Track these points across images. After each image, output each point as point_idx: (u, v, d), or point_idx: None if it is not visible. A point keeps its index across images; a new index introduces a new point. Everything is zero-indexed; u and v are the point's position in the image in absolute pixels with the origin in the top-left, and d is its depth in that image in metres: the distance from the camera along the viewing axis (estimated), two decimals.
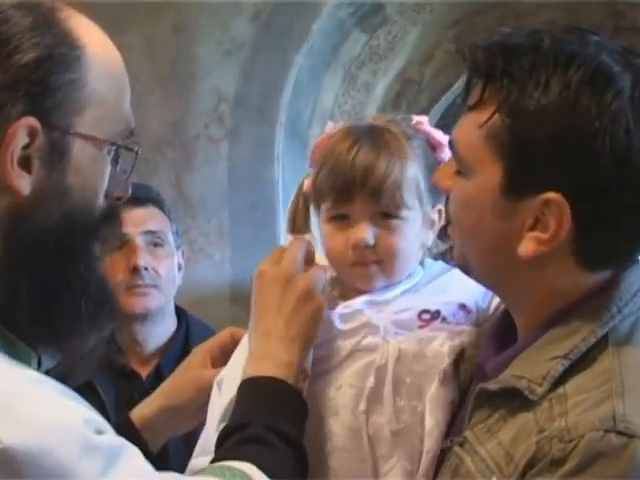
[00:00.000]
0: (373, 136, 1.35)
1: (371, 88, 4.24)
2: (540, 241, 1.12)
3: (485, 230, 1.16)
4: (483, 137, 1.14)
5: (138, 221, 2.28)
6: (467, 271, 1.24)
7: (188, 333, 2.38)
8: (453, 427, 1.29)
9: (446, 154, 1.38)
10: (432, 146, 1.41)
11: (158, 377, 2.20)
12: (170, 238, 2.34)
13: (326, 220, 1.38)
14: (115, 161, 1.20)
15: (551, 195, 1.10)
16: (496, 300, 1.38)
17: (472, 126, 1.15)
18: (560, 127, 1.08)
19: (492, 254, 1.17)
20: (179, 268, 2.40)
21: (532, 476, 1.05)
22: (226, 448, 1.23)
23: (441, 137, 1.42)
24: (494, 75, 1.12)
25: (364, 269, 1.36)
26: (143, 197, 2.31)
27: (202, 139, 3.75)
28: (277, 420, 1.25)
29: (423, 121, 1.44)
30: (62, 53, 1.12)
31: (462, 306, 1.38)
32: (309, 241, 1.40)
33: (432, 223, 1.41)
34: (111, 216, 1.21)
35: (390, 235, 1.35)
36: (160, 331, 2.34)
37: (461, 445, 1.17)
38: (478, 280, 1.25)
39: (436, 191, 1.36)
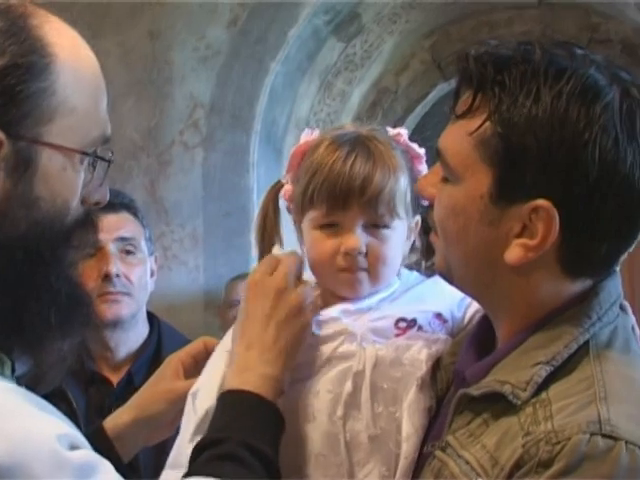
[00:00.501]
0: (367, 146, 1.36)
1: (347, 96, 4.25)
2: (527, 248, 1.14)
3: (471, 236, 1.17)
4: (473, 144, 1.15)
5: (110, 227, 2.26)
6: (449, 278, 1.25)
7: (160, 340, 2.36)
8: (430, 433, 1.30)
9: (424, 167, 1.40)
10: (411, 158, 1.42)
11: (129, 383, 2.19)
12: (143, 245, 2.33)
13: (314, 227, 1.39)
14: (92, 167, 1.18)
15: (540, 202, 1.11)
16: (470, 310, 1.39)
17: (461, 134, 1.16)
18: (550, 136, 1.10)
19: (477, 260, 1.18)
20: (151, 274, 2.39)
21: (519, 477, 1.06)
22: (200, 462, 1.22)
23: (419, 149, 1.43)
24: (485, 84, 1.14)
25: (352, 275, 1.37)
26: (116, 203, 2.30)
27: (177, 146, 3.75)
28: (255, 439, 1.23)
29: (402, 133, 1.45)
30: (31, 61, 1.09)
31: (438, 315, 1.39)
32: (301, 257, 1.41)
33: (412, 232, 1.42)
34: (85, 223, 1.19)
35: (380, 244, 1.36)
36: (132, 338, 2.32)
37: (443, 449, 1.18)
38: (460, 287, 1.26)
39: (416, 202, 1.37)
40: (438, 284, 1.34)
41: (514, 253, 1.14)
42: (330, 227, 1.37)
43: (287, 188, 1.45)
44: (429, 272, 1.44)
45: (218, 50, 3.73)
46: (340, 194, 1.33)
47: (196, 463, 1.22)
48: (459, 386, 1.24)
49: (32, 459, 0.98)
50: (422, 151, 1.42)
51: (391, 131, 1.44)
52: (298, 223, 1.43)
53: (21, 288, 1.12)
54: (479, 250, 1.17)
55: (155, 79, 3.77)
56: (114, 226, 2.25)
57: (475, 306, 1.39)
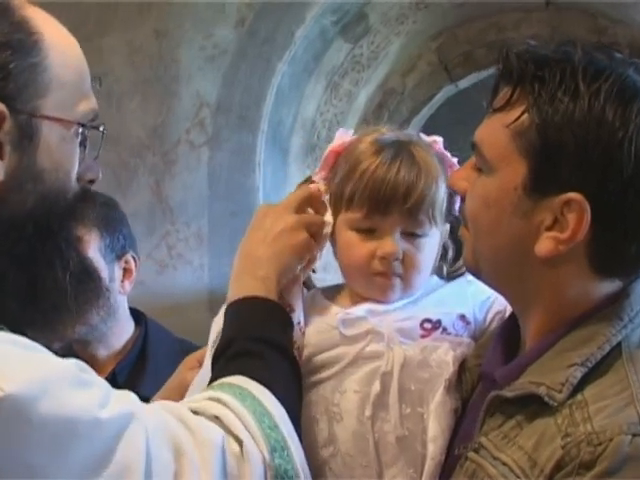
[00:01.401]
0: (411, 152, 1.38)
1: (353, 97, 4.25)
2: (558, 240, 1.15)
3: (503, 228, 1.19)
4: (510, 136, 1.17)
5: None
6: (477, 272, 1.27)
7: (146, 338, 2.36)
8: (457, 435, 1.31)
9: None
10: (445, 166, 1.43)
11: (112, 383, 2.20)
12: (98, 258, 2.28)
13: (350, 228, 1.39)
14: (83, 144, 1.22)
15: (573, 195, 1.13)
16: (491, 312, 1.41)
17: (499, 125, 1.19)
18: (587, 133, 1.12)
19: (507, 253, 1.20)
20: (127, 275, 2.35)
21: (560, 479, 1.07)
22: (218, 369, 1.27)
23: (452, 158, 1.44)
24: (525, 79, 1.16)
25: (386, 280, 1.38)
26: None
27: (183, 145, 3.74)
28: (261, 331, 1.28)
29: (437, 140, 1.46)
30: (20, 39, 1.14)
31: (462, 317, 1.40)
32: (316, 189, 1.42)
33: (443, 240, 1.44)
34: (85, 197, 1.23)
35: (416, 251, 1.38)
36: (115, 340, 2.32)
37: (476, 451, 1.19)
38: (488, 281, 1.28)
39: (448, 210, 1.40)
40: (460, 287, 1.36)
41: (545, 245, 1.15)
42: (367, 231, 1.37)
43: (315, 187, 1.45)
44: (449, 277, 1.45)
45: (225, 49, 3.73)
46: (383, 199, 1.34)
47: (215, 372, 1.27)
48: (487, 388, 1.26)
49: (56, 381, 1.02)
50: (455, 160, 1.43)
51: (426, 138, 1.45)
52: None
53: (34, 262, 1.15)
54: (510, 242, 1.18)
55: (162, 78, 3.77)
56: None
57: (496, 308, 1.40)
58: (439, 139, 1.46)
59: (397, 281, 1.38)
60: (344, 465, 1.33)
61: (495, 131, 1.19)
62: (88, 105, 1.23)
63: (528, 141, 1.15)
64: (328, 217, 1.43)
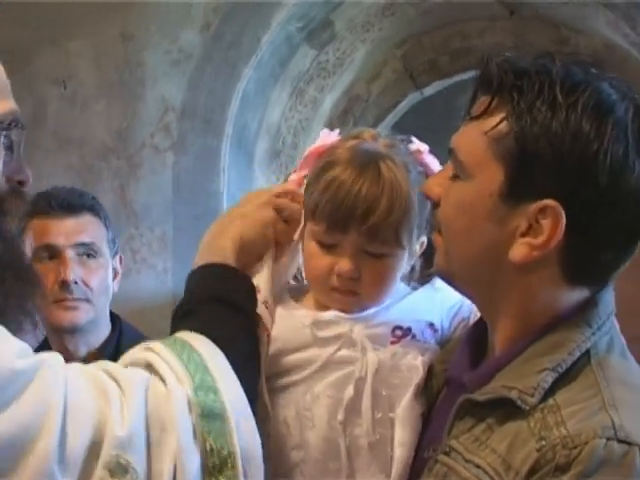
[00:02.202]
0: (379, 168, 1.33)
1: (318, 103, 4.26)
2: (532, 246, 1.17)
3: (478, 233, 1.20)
4: (487, 142, 1.19)
5: (70, 232, 2.22)
6: (448, 278, 1.28)
7: (120, 340, 2.34)
8: (424, 439, 1.32)
9: None
10: (427, 177, 1.40)
11: None
12: (105, 247, 2.29)
13: (313, 239, 1.37)
14: (8, 147, 1.22)
15: (549, 202, 1.15)
16: (456, 320, 1.42)
17: (476, 132, 1.20)
18: (563, 143, 1.14)
19: (481, 258, 1.21)
20: (115, 276, 2.36)
21: None
22: (171, 332, 1.28)
23: (437, 168, 1.42)
24: (504, 88, 1.18)
25: (342, 297, 1.37)
26: (77, 204, 2.26)
27: (148, 148, 3.73)
28: (210, 290, 1.30)
29: (423, 150, 1.43)
30: None
31: (430, 325, 1.40)
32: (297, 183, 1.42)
33: (414, 255, 1.42)
34: (14, 193, 1.25)
35: (376, 271, 1.36)
36: (92, 340, 2.29)
37: (447, 454, 1.20)
38: (459, 287, 1.29)
39: (423, 224, 1.38)
40: (429, 294, 1.36)
41: (519, 251, 1.17)
42: (328, 245, 1.36)
43: (294, 178, 1.43)
44: (417, 284, 1.45)
45: (190, 54, 3.72)
46: (341, 218, 1.32)
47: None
48: (454, 392, 1.27)
49: None
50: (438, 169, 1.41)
51: (413, 146, 1.43)
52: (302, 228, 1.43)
53: None
54: (484, 248, 1.20)
55: (127, 81, 3.75)
56: (74, 230, 2.21)
57: (461, 316, 1.41)
58: (424, 147, 1.44)
59: (353, 299, 1.37)
60: (315, 469, 1.33)
61: (473, 138, 1.20)
62: (6, 107, 1.23)
63: (505, 148, 1.16)
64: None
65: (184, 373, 1.17)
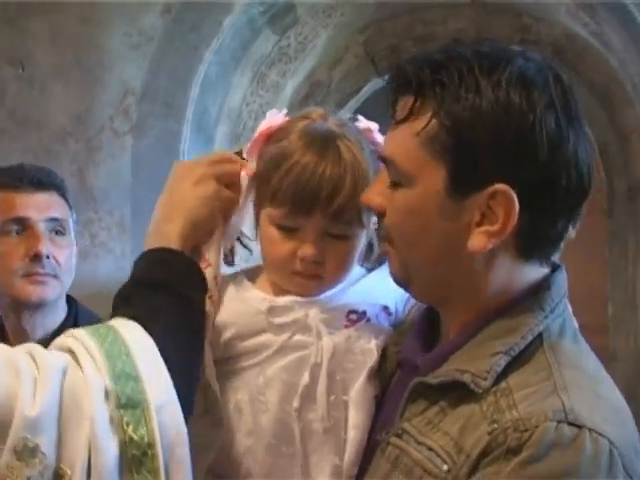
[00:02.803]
0: (338, 149, 1.32)
1: (280, 88, 4.24)
2: (490, 234, 1.16)
3: (432, 234, 1.19)
4: (421, 144, 1.17)
5: (41, 207, 2.21)
6: (406, 284, 1.27)
7: (76, 323, 2.32)
8: (377, 421, 1.32)
9: None
10: (378, 157, 1.39)
11: None
12: (71, 227, 2.29)
13: (272, 224, 1.36)
14: None
15: (497, 186, 1.14)
16: (410, 303, 1.41)
17: (407, 136, 1.19)
18: (497, 123, 1.13)
19: (439, 257, 1.20)
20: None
21: (487, 464, 1.09)
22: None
23: None
24: (424, 85, 1.17)
25: (305, 280, 1.36)
26: (47, 182, 2.25)
27: (107, 132, 3.70)
28: (150, 275, 1.28)
29: (372, 128, 1.42)
30: None
31: (385, 308, 1.40)
32: (235, 166, 1.39)
33: (370, 234, 1.41)
34: None
35: (339, 253, 1.35)
36: (49, 321, 2.27)
37: (399, 436, 1.20)
38: (417, 292, 1.28)
39: None
40: (383, 277, 1.36)
41: (477, 241, 1.17)
42: (289, 229, 1.34)
43: (251, 166, 1.41)
44: (370, 265, 1.45)
45: (151, 37, 3.69)
46: (306, 201, 1.30)
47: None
48: (407, 375, 1.27)
49: None
50: None
51: (361, 124, 1.42)
52: (256, 210, 1.41)
53: None
54: (441, 246, 1.19)
55: (86, 63, 3.71)
56: (45, 206, 2.20)
57: (413, 299, 1.41)
58: (374, 126, 1.42)
59: (316, 282, 1.37)
60: (268, 454, 1.33)
61: (405, 142, 1.19)
62: None
63: (441, 145, 1.15)
64: (248, 169, 1.40)
65: (103, 361, 1.14)
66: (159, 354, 1.18)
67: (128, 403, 1.12)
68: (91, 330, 1.20)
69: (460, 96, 1.14)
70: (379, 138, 1.40)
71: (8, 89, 3.72)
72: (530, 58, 1.19)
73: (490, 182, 1.14)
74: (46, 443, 1.08)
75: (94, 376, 1.13)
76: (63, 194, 2.28)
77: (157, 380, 1.15)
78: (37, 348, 1.18)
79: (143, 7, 3.68)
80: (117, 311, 1.25)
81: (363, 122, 1.42)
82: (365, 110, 4.41)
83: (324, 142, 1.33)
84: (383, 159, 1.23)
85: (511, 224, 1.15)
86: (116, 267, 3.64)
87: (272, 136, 1.39)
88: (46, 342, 2.25)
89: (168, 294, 1.26)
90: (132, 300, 1.26)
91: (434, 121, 1.15)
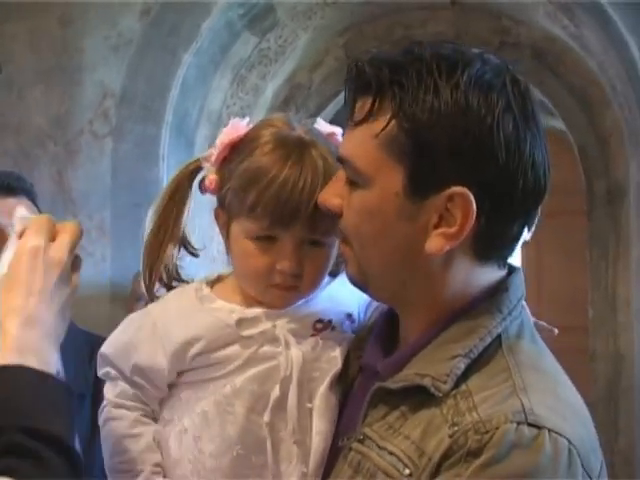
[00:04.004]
0: (313, 158, 1.31)
1: (260, 91, 4.24)
2: (447, 236, 1.16)
3: (390, 235, 1.19)
4: (379, 145, 1.16)
5: (11, 212, 2.20)
6: (363, 285, 1.26)
7: None
8: (339, 427, 1.32)
9: None
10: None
11: None
12: None
13: (248, 237, 1.34)
14: None
15: (455, 189, 1.14)
16: (371, 308, 1.41)
17: (366, 137, 1.18)
18: (456, 125, 1.13)
19: (397, 258, 1.20)
20: None
21: (448, 467, 1.09)
22: None
23: None
24: (383, 86, 1.16)
25: (282, 292, 1.34)
26: (16, 187, 2.23)
27: (86, 135, 3.69)
28: (38, 421, 1.07)
29: (337, 132, 1.41)
30: None
31: (349, 316, 1.40)
32: (81, 229, 1.25)
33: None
34: None
35: (317, 264, 1.34)
36: None
37: (361, 442, 1.19)
38: (374, 293, 1.28)
39: None
40: (346, 283, 1.35)
41: (435, 243, 1.17)
42: (267, 240, 1.33)
43: (213, 178, 1.39)
44: (334, 272, 1.44)
45: (130, 39, 3.68)
46: (288, 211, 1.29)
47: None
48: (368, 380, 1.26)
49: None
50: None
51: (324, 128, 1.41)
52: (224, 220, 1.39)
53: None
54: (399, 247, 1.19)
55: (65, 66, 3.70)
56: (14, 211, 2.19)
57: (375, 304, 1.40)
58: (338, 130, 1.42)
59: (293, 293, 1.36)
60: (236, 464, 1.32)
61: (364, 143, 1.18)
62: None
63: (399, 146, 1.15)
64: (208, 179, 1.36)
65: None
66: None
67: None
68: None
69: (419, 98, 1.13)
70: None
71: None
72: (488, 61, 1.18)
73: (448, 184, 1.14)
74: None
75: None
76: (33, 199, 2.27)
77: None
78: None
79: (122, 9, 3.67)
80: (4, 461, 1.04)
81: (325, 126, 1.41)
82: (345, 113, 4.42)
83: (300, 154, 1.32)
84: (340, 159, 1.23)
85: (468, 226, 1.15)
86: (96, 271, 3.62)
87: (237, 147, 1.37)
88: None
89: (53, 446, 1.07)
90: (19, 458, 1.04)
91: (393, 122, 1.14)
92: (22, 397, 1.08)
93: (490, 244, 1.19)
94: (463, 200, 1.14)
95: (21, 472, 1.02)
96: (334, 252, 1.37)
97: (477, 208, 1.14)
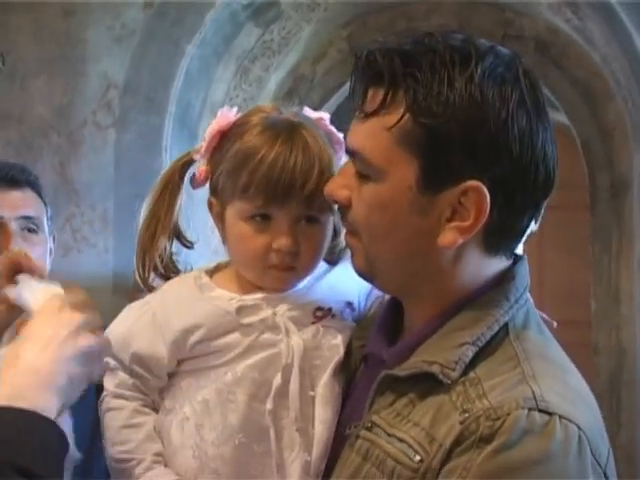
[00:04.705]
0: (303, 136, 1.33)
1: (263, 83, 4.24)
2: (461, 230, 1.17)
3: (401, 228, 1.19)
4: (393, 138, 1.16)
5: (14, 205, 2.20)
6: (370, 277, 1.27)
7: None
8: (342, 415, 1.33)
9: (342, 153, 1.38)
10: (333, 143, 1.40)
11: None
12: (45, 224, 2.27)
13: (243, 218, 1.35)
14: None
15: (470, 183, 1.14)
16: (372, 297, 1.42)
17: (377, 130, 1.17)
18: (471, 119, 1.13)
19: (407, 251, 1.20)
20: (50, 254, 2.33)
21: (460, 453, 1.10)
22: None
23: (339, 134, 1.41)
24: (396, 78, 1.15)
25: (280, 273, 1.35)
26: (21, 179, 2.24)
27: (89, 126, 3.68)
28: (28, 459, 1.07)
29: (324, 117, 1.42)
30: None
31: (349, 304, 1.40)
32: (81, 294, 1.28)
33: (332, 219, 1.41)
34: None
35: (313, 241, 1.35)
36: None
37: (368, 429, 1.20)
38: (383, 285, 1.28)
39: None
40: (346, 272, 1.36)
41: (448, 237, 1.18)
42: (262, 219, 1.34)
43: (203, 169, 1.40)
44: (333, 259, 1.45)
45: (133, 30, 3.67)
46: (281, 190, 1.30)
47: None
48: (372, 369, 1.27)
49: None
50: (341, 136, 1.41)
51: (312, 114, 1.42)
52: (218, 208, 1.40)
53: None
54: (409, 240, 1.19)
55: (68, 57, 3.70)
56: (18, 204, 2.19)
57: (376, 293, 1.41)
58: (326, 115, 1.41)
59: (291, 273, 1.36)
60: (238, 452, 1.32)
61: (376, 136, 1.17)
62: None
63: (413, 140, 1.14)
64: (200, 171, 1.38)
65: None
66: None
67: None
68: None
69: (433, 91, 1.13)
70: (331, 126, 1.41)
71: None
72: (500, 52, 1.18)
73: (462, 178, 1.14)
74: None
75: None
76: (37, 191, 2.27)
77: None
78: None
79: (126, 0, 3.67)
80: None
81: (312, 112, 1.42)
82: (348, 105, 4.42)
83: (289, 133, 1.33)
84: (350, 151, 1.22)
85: (482, 220, 1.15)
86: (99, 262, 3.62)
87: (227, 134, 1.37)
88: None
89: None
90: None
91: (407, 116, 1.14)
92: (15, 433, 1.08)
93: (501, 237, 1.20)
94: (477, 194, 1.14)
95: None
96: (330, 230, 1.38)
97: (490, 202, 1.14)
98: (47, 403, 1.12)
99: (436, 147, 1.14)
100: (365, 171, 1.20)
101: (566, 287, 6.34)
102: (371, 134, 1.18)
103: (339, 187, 1.25)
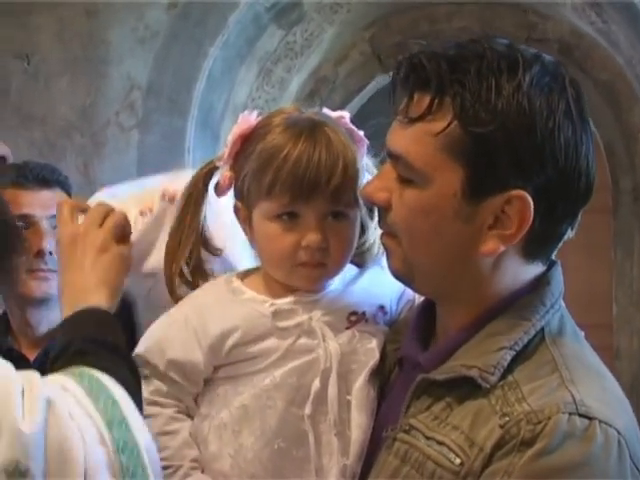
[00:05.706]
0: (326, 133, 1.33)
1: (285, 84, 4.24)
2: (503, 238, 1.17)
3: (444, 234, 1.19)
4: (439, 145, 1.16)
5: (45, 204, 2.24)
6: (408, 280, 1.27)
7: None
8: (377, 419, 1.33)
9: (364, 150, 1.40)
10: (355, 141, 1.40)
11: (44, 361, 2.18)
12: None
13: (269, 218, 1.35)
14: None
15: (516, 192, 1.15)
16: (403, 301, 1.42)
17: (423, 136, 1.17)
18: (519, 128, 1.13)
19: (448, 257, 1.20)
20: None
21: (501, 457, 1.10)
22: (58, 367, 1.26)
23: (360, 132, 1.42)
24: (444, 84, 1.15)
25: (310, 270, 1.35)
26: (51, 179, 2.29)
27: (112, 126, 3.70)
28: (100, 334, 1.30)
29: (345, 115, 1.43)
30: None
31: (381, 308, 1.40)
32: (121, 214, 1.43)
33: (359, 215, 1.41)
34: None
35: (341, 237, 1.35)
36: (55, 315, 2.28)
37: (406, 432, 1.20)
38: (420, 288, 1.29)
39: None
40: (378, 276, 1.36)
41: (490, 244, 1.18)
42: (289, 218, 1.34)
43: (227, 175, 1.41)
44: (361, 262, 1.45)
45: (157, 31, 3.69)
46: (307, 186, 1.30)
47: (55, 370, 1.27)
48: (408, 372, 1.28)
49: None
50: (362, 133, 1.41)
51: (332, 114, 1.42)
52: (245, 212, 1.40)
53: None
54: (450, 246, 1.20)
55: (92, 58, 3.71)
56: (49, 203, 2.23)
57: (407, 297, 1.41)
58: (346, 114, 1.42)
59: (322, 270, 1.36)
60: (276, 457, 1.32)
61: (421, 142, 1.17)
62: None
63: (460, 147, 1.14)
64: (223, 177, 1.42)
65: (93, 408, 1.17)
66: (131, 401, 1.22)
67: (125, 447, 1.16)
68: (74, 377, 1.21)
69: (481, 98, 1.13)
70: (351, 125, 1.41)
71: (13, 83, 3.73)
72: (546, 61, 1.18)
73: (507, 186, 1.14)
74: (36, 468, 1.08)
75: (85, 421, 1.15)
76: (67, 191, 2.31)
77: (138, 423, 1.20)
78: (30, 372, 1.20)
79: (149, 2, 3.68)
80: (76, 362, 1.26)
81: (334, 113, 1.43)
82: (370, 107, 4.41)
83: (311, 130, 1.33)
84: (393, 155, 1.22)
85: (525, 228, 1.16)
86: None
87: (249, 137, 1.38)
88: (49, 337, 2.27)
89: (111, 351, 1.29)
90: (89, 356, 1.27)
91: (455, 123, 1.14)
92: (85, 321, 1.34)
93: (540, 244, 1.20)
94: (521, 203, 1.14)
95: (90, 363, 1.24)
96: (358, 226, 1.37)
97: (533, 211, 1.14)
98: (101, 304, 1.36)
99: (483, 155, 1.14)
100: (408, 175, 1.19)
101: (587, 290, 6.30)
102: (416, 139, 1.18)
103: (378, 189, 1.24)
